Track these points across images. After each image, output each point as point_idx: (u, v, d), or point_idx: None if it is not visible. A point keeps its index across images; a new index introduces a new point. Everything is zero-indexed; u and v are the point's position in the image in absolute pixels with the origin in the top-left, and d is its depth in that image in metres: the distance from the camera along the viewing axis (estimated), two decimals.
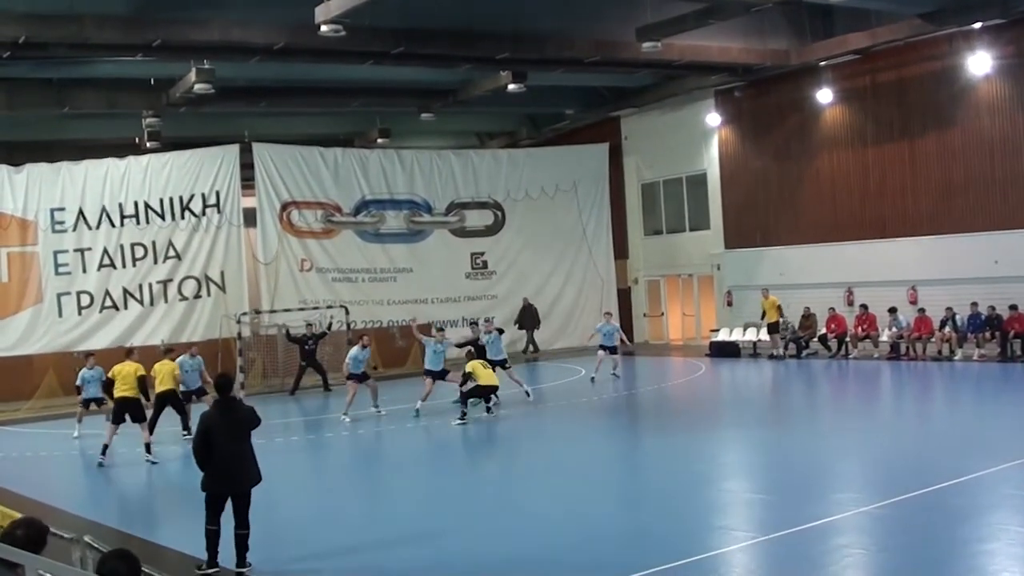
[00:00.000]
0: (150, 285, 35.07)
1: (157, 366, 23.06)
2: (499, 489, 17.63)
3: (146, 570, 8.40)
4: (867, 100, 33.52)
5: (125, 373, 21.47)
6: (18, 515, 9.49)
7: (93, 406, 24.93)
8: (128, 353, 22.92)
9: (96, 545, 10.52)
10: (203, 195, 35.79)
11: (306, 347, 32.10)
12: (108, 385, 22.56)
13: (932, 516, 13.25)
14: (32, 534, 7.04)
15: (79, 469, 21.68)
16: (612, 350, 30.64)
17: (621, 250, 42.98)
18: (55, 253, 34.24)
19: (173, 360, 23.65)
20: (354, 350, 26.36)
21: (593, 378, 30.16)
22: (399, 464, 20.90)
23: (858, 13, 30.15)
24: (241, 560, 12.56)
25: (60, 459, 23.08)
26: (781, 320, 33.88)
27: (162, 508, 17.02)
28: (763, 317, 34.33)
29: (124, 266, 34.90)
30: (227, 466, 12.47)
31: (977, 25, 29.00)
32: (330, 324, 33.74)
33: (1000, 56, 29.62)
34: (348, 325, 34.92)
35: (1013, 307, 29.35)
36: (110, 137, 36.35)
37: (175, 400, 23.04)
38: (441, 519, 15.16)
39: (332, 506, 16.98)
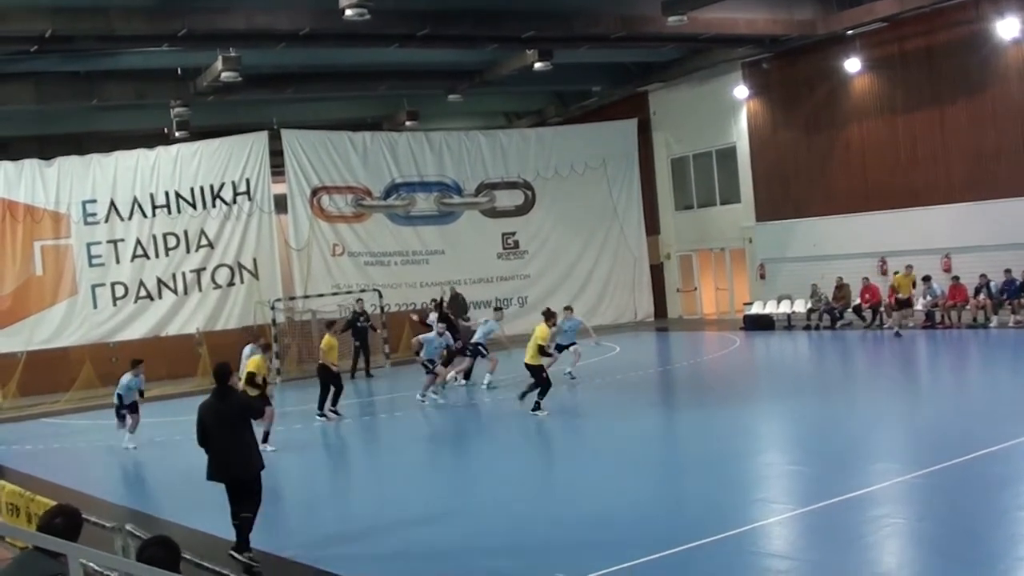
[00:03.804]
0: (183, 274, 35.33)
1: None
2: (536, 464, 17.63)
3: (187, 557, 8.46)
4: (896, 68, 33.23)
5: None
6: (52, 503, 9.57)
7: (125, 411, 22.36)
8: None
9: (137, 533, 10.61)
10: (233, 183, 35.98)
11: (358, 324, 31.55)
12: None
13: (970, 485, 13.18)
14: (70, 522, 7.09)
15: (117, 459, 21.80)
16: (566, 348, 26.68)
17: (652, 226, 42.87)
18: (88, 245, 34.50)
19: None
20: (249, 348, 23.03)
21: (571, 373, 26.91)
22: (436, 445, 20.99)
23: None
24: (240, 544, 12.46)
25: (98, 450, 23.21)
26: (912, 295, 31.90)
27: (201, 495, 17.10)
28: (894, 291, 31.84)
29: (157, 256, 35.14)
30: (220, 455, 12.57)
31: None
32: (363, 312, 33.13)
33: None
34: (381, 308, 35.03)
35: None
36: (139, 128, 36.62)
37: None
38: (473, 495, 15.25)
39: (368, 489, 17.07)
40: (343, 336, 29.99)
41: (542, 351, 22.01)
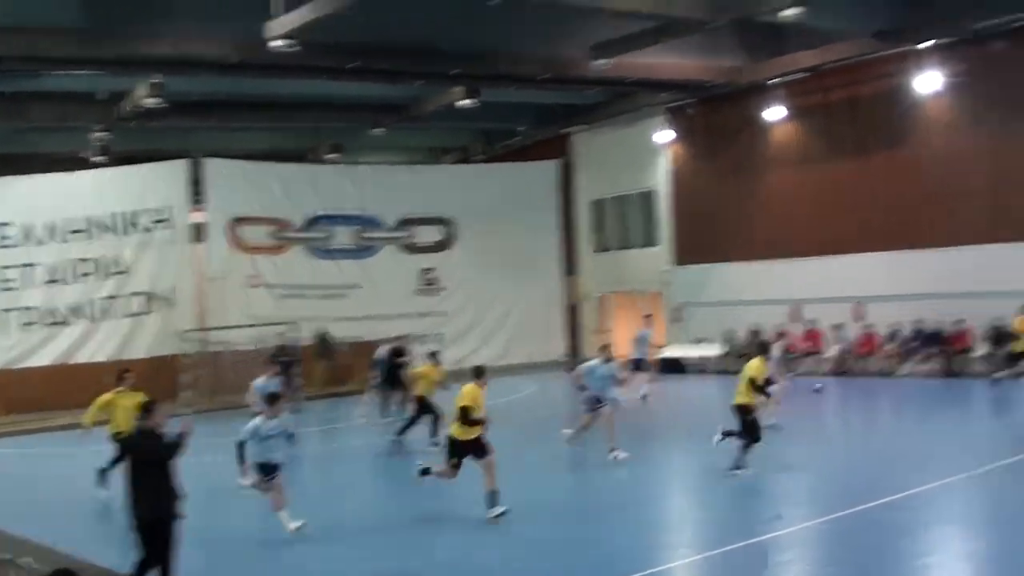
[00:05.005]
0: (96, 301, 34.74)
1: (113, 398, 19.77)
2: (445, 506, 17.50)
3: None
4: (819, 117, 33.64)
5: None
6: None
7: None
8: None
9: (36, 566, 10.40)
10: (152, 210, 35.51)
11: (281, 360, 28.60)
12: None
13: (875, 530, 13.35)
14: None
15: (17, 488, 21.30)
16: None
17: (571, 267, 43.03)
18: (1, 268, 33.88)
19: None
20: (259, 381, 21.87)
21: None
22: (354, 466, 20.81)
23: (811, 31, 30.10)
24: None
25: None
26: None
27: (106, 528, 16.78)
28: (1012, 340, 27.98)
29: (70, 282, 34.56)
30: None
31: (927, 44, 29.22)
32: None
33: (950, 75, 29.50)
34: (297, 343, 34.54)
35: (958, 322, 29.70)
36: (59, 151, 35.92)
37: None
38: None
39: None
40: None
41: (758, 388, 18.00)
